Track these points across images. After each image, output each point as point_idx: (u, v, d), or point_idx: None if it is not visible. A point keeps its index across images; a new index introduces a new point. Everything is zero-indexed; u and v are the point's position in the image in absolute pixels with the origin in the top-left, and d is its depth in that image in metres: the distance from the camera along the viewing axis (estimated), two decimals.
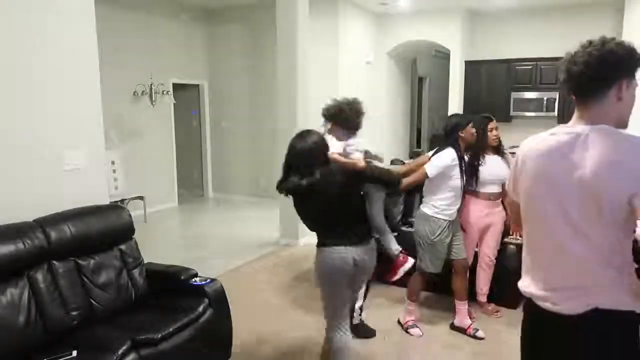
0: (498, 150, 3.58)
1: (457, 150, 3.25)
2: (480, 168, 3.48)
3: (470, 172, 3.46)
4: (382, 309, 3.89)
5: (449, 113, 7.99)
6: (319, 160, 2.45)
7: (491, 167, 3.49)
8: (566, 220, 1.45)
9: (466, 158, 3.51)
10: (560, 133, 1.51)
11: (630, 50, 1.43)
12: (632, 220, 1.40)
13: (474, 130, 3.32)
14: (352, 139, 2.81)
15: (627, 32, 6.93)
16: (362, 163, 2.52)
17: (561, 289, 1.49)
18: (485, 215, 3.59)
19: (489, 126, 3.52)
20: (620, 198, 1.34)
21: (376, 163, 2.79)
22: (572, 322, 1.45)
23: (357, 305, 3.30)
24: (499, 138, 3.56)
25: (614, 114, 1.46)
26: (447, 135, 3.32)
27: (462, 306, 3.52)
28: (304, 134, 2.52)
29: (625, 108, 1.47)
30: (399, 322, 3.63)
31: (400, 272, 3.03)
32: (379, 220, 2.59)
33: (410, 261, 3.08)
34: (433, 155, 3.33)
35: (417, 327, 3.54)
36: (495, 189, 3.54)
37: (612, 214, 1.37)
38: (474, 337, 3.45)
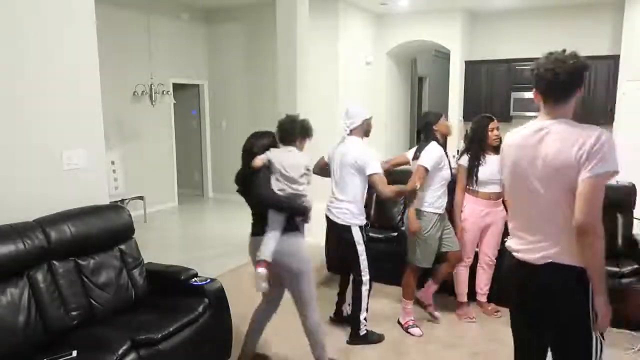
0: (499, 150, 3.57)
1: (439, 144, 3.42)
2: (481, 168, 3.51)
3: (471, 171, 3.56)
4: (381, 309, 3.89)
5: (449, 113, 8.00)
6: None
7: (492, 167, 3.50)
8: (531, 196, 1.87)
9: (466, 157, 3.56)
10: (529, 127, 1.90)
11: (584, 60, 1.79)
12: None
13: (447, 122, 3.51)
14: (285, 147, 2.91)
15: (627, 32, 6.93)
16: (257, 163, 2.77)
17: (528, 244, 1.92)
18: (486, 215, 3.59)
19: (490, 126, 3.54)
20: (570, 177, 1.72)
21: (279, 177, 2.77)
22: (535, 270, 1.89)
23: (362, 317, 3.33)
24: (500, 138, 3.56)
25: (572, 111, 1.86)
26: (424, 133, 3.50)
27: (431, 286, 3.70)
28: (257, 134, 2.86)
29: (576, 105, 1.87)
30: (399, 322, 3.63)
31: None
32: (269, 221, 2.74)
33: (260, 273, 2.69)
34: (416, 153, 3.47)
35: (417, 326, 3.55)
36: (495, 188, 3.55)
37: (565, 189, 1.75)
38: (431, 316, 3.72)
